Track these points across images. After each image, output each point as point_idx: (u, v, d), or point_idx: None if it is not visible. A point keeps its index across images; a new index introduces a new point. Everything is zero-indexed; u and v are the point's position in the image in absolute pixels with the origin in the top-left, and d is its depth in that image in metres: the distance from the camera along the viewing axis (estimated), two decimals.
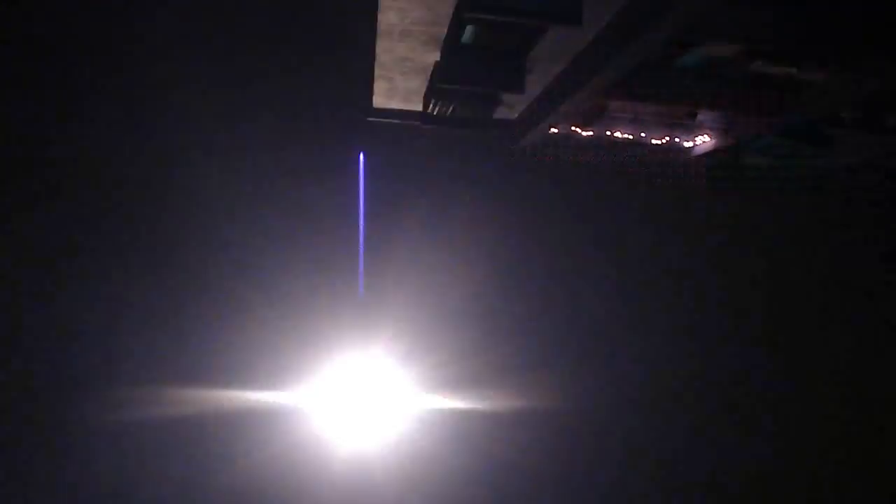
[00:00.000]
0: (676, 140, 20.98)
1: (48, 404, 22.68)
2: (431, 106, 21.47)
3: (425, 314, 22.82)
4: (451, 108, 21.51)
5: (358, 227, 24.05)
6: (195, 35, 21.78)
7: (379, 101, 22.13)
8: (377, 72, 21.07)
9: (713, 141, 20.82)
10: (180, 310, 22.57)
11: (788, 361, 23.14)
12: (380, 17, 17.20)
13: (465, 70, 20.99)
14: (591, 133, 21.12)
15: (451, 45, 19.63)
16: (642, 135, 20.98)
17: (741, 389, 23.62)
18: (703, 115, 20.65)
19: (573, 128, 21.17)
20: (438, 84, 20.52)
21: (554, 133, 21.20)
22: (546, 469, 22.98)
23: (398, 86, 21.32)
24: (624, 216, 23.13)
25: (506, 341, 22.77)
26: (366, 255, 23.73)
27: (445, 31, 18.34)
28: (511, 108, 21.45)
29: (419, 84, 21.38)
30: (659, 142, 21.03)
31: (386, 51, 19.89)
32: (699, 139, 20.91)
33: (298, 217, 23.20)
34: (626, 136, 21.08)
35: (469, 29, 17.45)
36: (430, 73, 20.90)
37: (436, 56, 19.84)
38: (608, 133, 21.14)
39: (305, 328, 22.84)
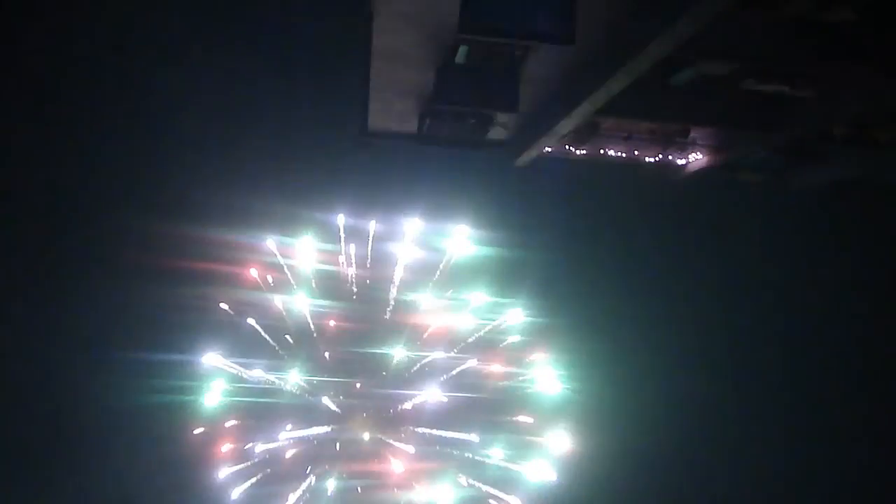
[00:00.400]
0: (670, 158, 21.07)
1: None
2: (426, 126, 21.58)
3: None
4: (445, 128, 21.61)
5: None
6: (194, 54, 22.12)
7: (374, 122, 22.22)
8: (372, 94, 21.17)
9: (706, 158, 20.92)
10: None
11: None
12: (374, 39, 17.31)
13: (458, 90, 21.11)
14: (584, 151, 21.22)
15: (445, 66, 19.78)
16: (635, 153, 21.08)
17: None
18: (695, 133, 20.80)
19: (567, 146, 21.27)
20: (432, 104, 20.64)
21: (548, 152, 21.30)
22: None
23: (393, 107, 21.42)
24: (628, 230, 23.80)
25: None
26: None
27: (439, 52, 18.47)
28: (505, 127, 21.53)
29: (413, 105, 21.49)
30: (652, 159, 21.13)
31: (380, 73, 20.02)
32: (692, 157, 21.01)
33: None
34: (619, 154, 21.17)
35: (462, 50, 17.57)
36: (424, 94, 21.03)
37: (430, 77, 19.98)
38: (601, 151, 21.24)
39: None
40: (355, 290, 27.69)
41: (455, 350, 25.66)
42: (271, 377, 25.69)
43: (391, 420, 25.36)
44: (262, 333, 26.98)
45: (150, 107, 25.84)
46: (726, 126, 20.48)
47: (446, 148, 21.95)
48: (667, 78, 20.05)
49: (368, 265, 27.04)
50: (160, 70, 24.85)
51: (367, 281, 25.93)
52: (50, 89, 25.32)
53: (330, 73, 23.58)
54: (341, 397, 25.70)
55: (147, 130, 26.03)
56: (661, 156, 21.02)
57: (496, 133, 22.02)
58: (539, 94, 21.04)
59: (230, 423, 26.06)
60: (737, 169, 21.11)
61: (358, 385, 26.99)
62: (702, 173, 21.10)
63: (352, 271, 25.89)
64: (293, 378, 26.53)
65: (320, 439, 25.85)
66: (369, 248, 25.76)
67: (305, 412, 25.79)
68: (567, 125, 20.87)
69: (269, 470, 25.80)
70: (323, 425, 25.50)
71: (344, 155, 24.57)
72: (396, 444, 26.00)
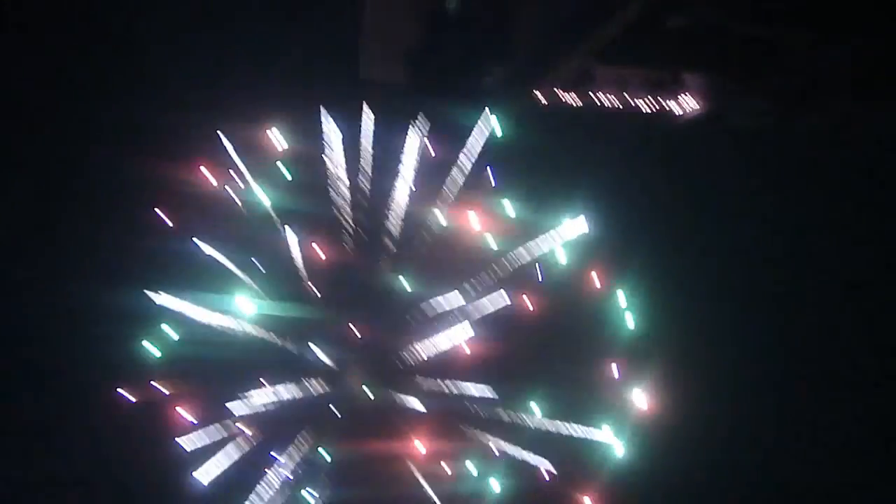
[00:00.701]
0: (662, 104, 21.02)
1: None
2: (417, 75, 21.22)
3: None
4: (436, 77, 21.29)
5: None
6: None
7: (366, 71, 21.70)
8: (364, 42, 20.77)
9: (699, 104, 20.92)
10: None
11: None
12: None
13: (449, 38, 20.88)
14: (576, 97, 21.05)
15: (435, 15, 19.53)
16: (627, 98, 21.00)
17: None
18: (689, 79, 20.81)
19: (560, 94, 21.10)
20: (423, 54, 20.36)
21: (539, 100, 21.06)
22: None
23: (384, 55, 20.98)
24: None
25: None
26: None
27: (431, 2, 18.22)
28: (496, 75, 21.27)
29: (405, 53, 21.12)
30: (643, 104, 21.05)
31: (372, 20, 19.61)
32: (685, 103, 20.99)
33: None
34: (612, 101, 21.06)
35: None
36: (415, 43, 20.69)
37: (421, 26, 19.69)
38: (593, 97, 21.10)
39: None
40: (348, 199, 21.28)
41: (490, 280, 20.00)
42: (237, 321, 20.74)
43: (403, 374, 20.12)
44: (223, 260, 21.09)
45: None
46: (720, 72, 20.54)
47: (438, 98, 21.38)
48: (660, 23, 20.07)
49: (368, 168, 21.00)
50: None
51: (366, 190, 21.18)
52: None
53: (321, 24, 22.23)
54: (334, 346, 20.83)
55: None
56: (651, 101, 20.96)
57: (488, 82, 21.68)
58: (532, 42, 20.91)
59: (184, 384, 20.90)
60: (730, 115, 21.12)
61: (356, 330, 21.42)
62: (694, 120, 21.08)
63: (341, 172, 20.72)
64: (267, 321, 20.92)
65: (309, 402, 20.97)
66: (367, 146, 20.81)
67: (287, 366, 23.11)
68: (559, 70, 20.75)
69: (241, 443, 21.44)
70: (312, 383, 20.52)
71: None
72: (411, 405, 19.84)
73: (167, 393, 20.73)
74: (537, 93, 21.04)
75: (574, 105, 21.21)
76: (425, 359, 19.90)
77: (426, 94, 21.16)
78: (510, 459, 20.29)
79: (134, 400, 20.92)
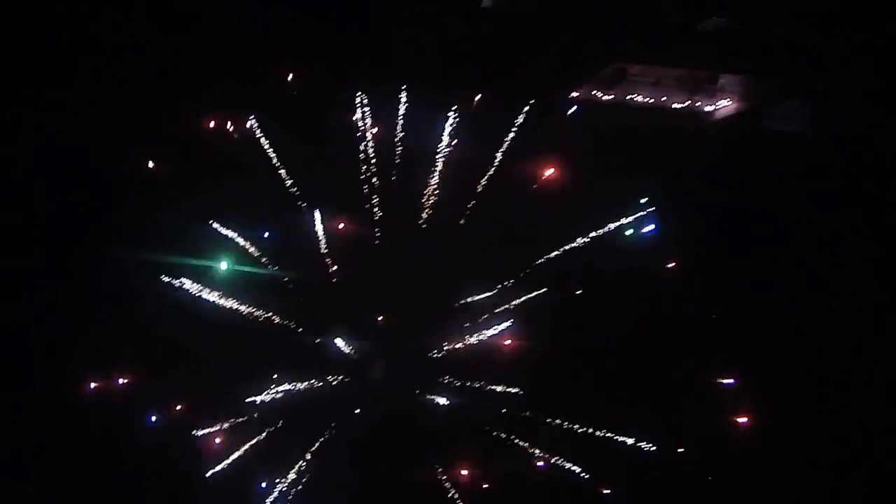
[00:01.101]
0: (698, 104, 20.87)
1: None
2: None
3: None
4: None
5: None
6: None
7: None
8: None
9: (735, 105, 20.79)
10: None
11: None
12: None
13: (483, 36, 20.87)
14: (612, 97, 20.86)
15: (470, 10, 19.58)
16: (663, 99, 20.83)
17: None
18: (724, 80, 20.74)
19: (594, 92, 20.90)
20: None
21: (575, 97, 20.85)
22: None
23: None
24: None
25: None
26: None
27: None
28: (532, 73, 21.08)
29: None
30: (680, 106, 20.88)
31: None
32: (720, 103, 20.85)
33: None
34: (646, 100, 20.89)
35: None
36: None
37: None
38: (628, 97, 20.93)
39: None
40: (376, 182, 19.34)
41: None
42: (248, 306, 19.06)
43: (430, 370, 19.24)
44: (235, 237, 19.22)
45: None
46: (756, 73, 20.52)
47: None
48: (697, 23, 20.13)
49: (398, 147, 19.30)
50: None
51: (397, 169, 19.39)
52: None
53: None
54: (358, 337, 19.47)
55: None
56: (688, 102, 20.81)
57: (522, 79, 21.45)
58: (566, 39, 20.90)
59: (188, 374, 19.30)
60: (766, 117, 20.98)
61: (380, 319, 19.41)
62: (730, 120, 20.90)
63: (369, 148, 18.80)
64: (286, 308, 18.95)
65: (327, 396, 19.43)
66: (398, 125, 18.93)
67: (304, 358, 19.47)
68: (594, 70, 20.70)
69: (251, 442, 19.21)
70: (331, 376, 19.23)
71: None
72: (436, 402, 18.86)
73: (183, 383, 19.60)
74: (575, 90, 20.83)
75: (611, 103, 21.02)
76: (456, 354, 18.98)
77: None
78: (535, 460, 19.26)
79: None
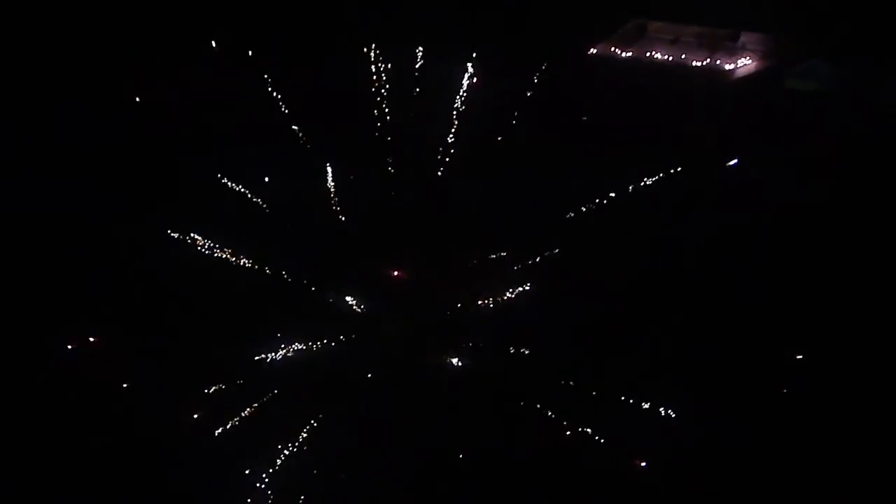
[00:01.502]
0: (717, 62, 20.52)
1: None
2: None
3: None
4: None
5: None
6: None
7: None
8: None
9: (755, 64, 20.45)
10: None
11: None
12: None
13: None
14: (630, 54, 20.48)
15: None
16: (682, 56, 20.47)
17: None
18: (745, 37, 20.40)
19: (612, 48, 20.51)
20: None
21: (594, 53, 20.46)
22: None
23: None
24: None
25: None
26: None
27: None
28: (550, 27, 20.67)
29: None
30: (699, 64, 20.52)
31: None
32: (741, 62, 20.51)
33: None
34: (665, 57, 20.52)
35: None
36: None
37: None
38: (647, 54, 20.55)
39: None
40: (391, 135, 18.05)
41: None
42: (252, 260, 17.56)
43: (446, 329, 17.59)
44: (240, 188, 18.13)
45: None
46: (777, 31, 20.16)
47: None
48: None
49: (414, 99, 18.12)
50: None
51: (413, 122, 18.29)
52: None
53: None
54: (369, 292, 17.83)
55: None
56: (708, 60, 20.44)
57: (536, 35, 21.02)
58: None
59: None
60: (786, 76, 20.65)
61: (395, 274, 17.79)
62: (750, 79, 20.56)
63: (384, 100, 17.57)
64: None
65: (334, 356, 17.72)
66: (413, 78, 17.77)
67: (312, 315, 18.09)
68: (613, 26, 20.33)
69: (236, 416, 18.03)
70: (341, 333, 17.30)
71: None
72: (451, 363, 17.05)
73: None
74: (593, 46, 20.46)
75: (629, 60, 20.65)
76: (475, 313, 18.33)
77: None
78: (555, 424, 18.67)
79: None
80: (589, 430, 17.77)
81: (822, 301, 18.30)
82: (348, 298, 18.59)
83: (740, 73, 20.87)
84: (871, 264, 18.95)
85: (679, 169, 18.74)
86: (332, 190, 18.87)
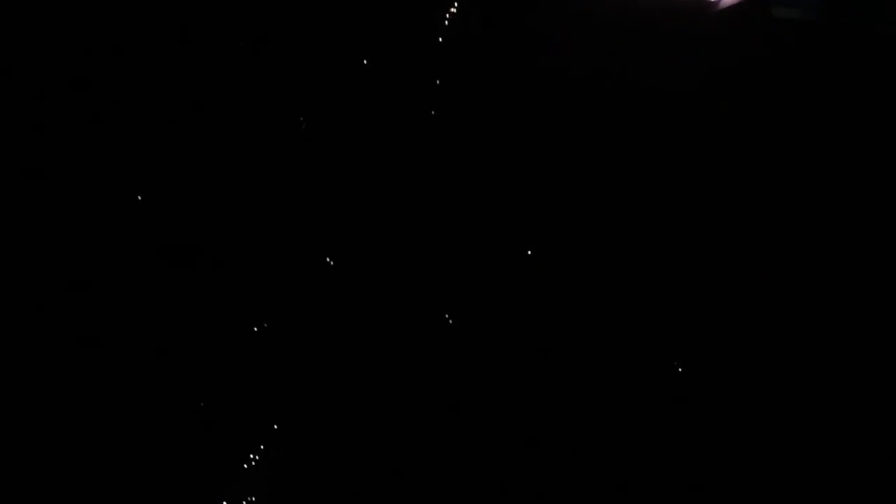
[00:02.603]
0: None
1: None
2: None
3: None
4: None
5: None
6: None
7: None
8: None
9: None
10: None
11: None
12: None
13: None
14: None
15: None
16: None
17: None
18: None
19: None
20: None
21: None
22: None
23: None
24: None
25: None
26: None
27: None
28: None
29: None
30: None
31: None
32: None
33: None
34: None
35: None
36: None
37: None
38: None
39: None
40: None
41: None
42: None
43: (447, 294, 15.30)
44: None
45: None
46: None
47: None
48: None
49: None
50: None
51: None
52: None
53: None
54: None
55: None
56: None
57: None
58: None
59: None
60: (774, 4, 19.36)
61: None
62: (736, 9, 19.23)
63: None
64: None
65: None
66: None
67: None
68: None
69: None
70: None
71: None
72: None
73: None
74: None
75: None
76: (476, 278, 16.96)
77: None
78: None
79: None
80: (589, 430, 16.89)
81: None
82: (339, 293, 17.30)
83: (725, 2, 19.51)
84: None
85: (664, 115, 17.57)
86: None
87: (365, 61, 12.83)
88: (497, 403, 14.90)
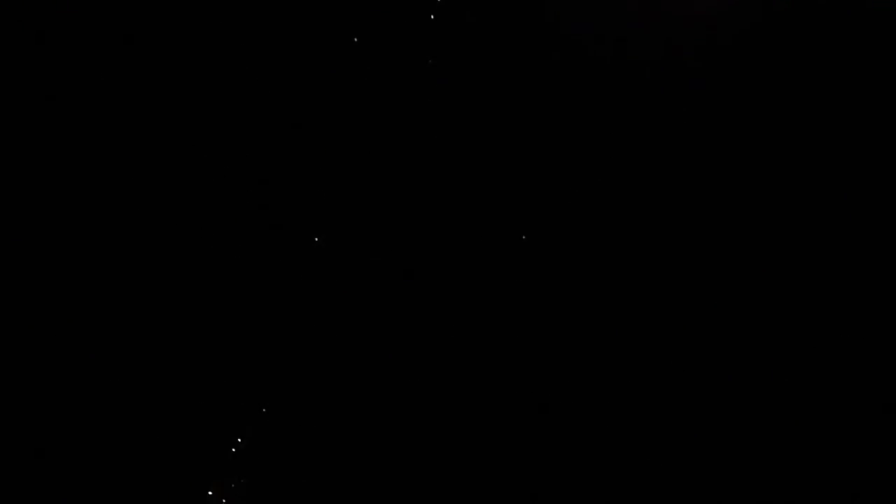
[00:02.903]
0: None
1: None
2: None
3: None
4: None
5: None
6: None
7: None
8: None
9: None
10: None
11: None
12: None
13: None
14: None
15: None
16: None
17: None
18: None
19: None
20: None
21: None
22: None
23: None
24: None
25: None
26: None
27: None
28: None
29: None
30: None
31: None
32: None
33: None
34: None
35: None
36: None
37: None
38: None
39: None
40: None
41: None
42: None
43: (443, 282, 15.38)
44: None
45: None
46: None
47: None
48: None
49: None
50: None
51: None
52: None
53: None
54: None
55: None
56: None
57: None
58: None
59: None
60: None
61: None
62: None
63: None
64: None
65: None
66: None
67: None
68: None
69: None
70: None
71: None
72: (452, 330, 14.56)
73: None
74: None
75: None
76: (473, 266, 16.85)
77: None
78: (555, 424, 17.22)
79: None
80: (588, 430, 16.82)
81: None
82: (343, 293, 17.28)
83: None
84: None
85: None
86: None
87: (355, 38, 12.47)
88: (495, 401, 14.87)
